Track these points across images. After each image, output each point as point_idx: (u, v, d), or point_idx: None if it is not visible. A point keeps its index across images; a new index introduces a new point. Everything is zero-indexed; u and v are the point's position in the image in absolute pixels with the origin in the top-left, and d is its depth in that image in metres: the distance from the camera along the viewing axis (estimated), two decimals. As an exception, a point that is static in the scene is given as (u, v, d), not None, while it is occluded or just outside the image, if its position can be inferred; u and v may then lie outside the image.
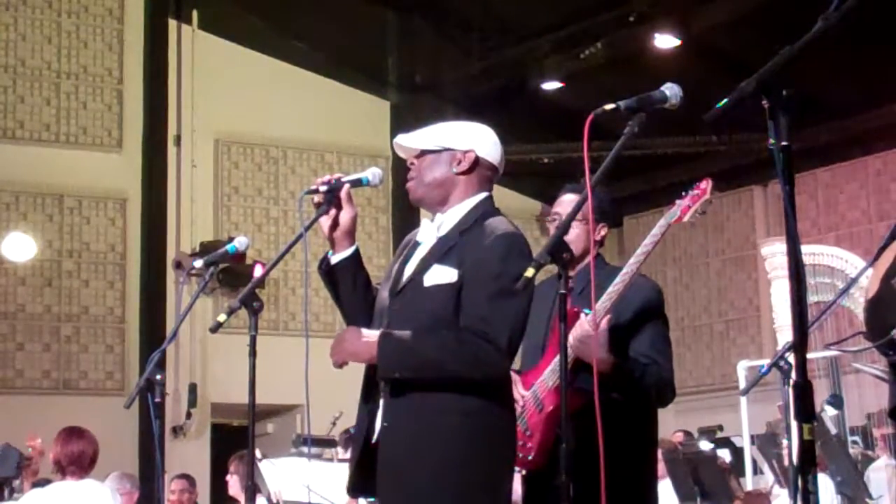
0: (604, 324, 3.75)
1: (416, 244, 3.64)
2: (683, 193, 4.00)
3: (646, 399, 3.90)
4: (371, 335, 3.45)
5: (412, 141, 3.63)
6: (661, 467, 8.69)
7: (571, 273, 3.88)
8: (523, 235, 3.54)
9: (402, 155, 3.71)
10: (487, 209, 3.57)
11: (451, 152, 3.57)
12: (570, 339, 3.73)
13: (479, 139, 3.61)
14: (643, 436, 3.98)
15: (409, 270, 3.57)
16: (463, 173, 3.56)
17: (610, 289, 3.82)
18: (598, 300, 3.77)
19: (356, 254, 3.66)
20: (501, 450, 3.45)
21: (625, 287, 3.82)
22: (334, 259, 3.66)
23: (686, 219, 3.97)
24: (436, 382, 3.36)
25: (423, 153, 3.60)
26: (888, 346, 3.28)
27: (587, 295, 3.73)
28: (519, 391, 3.86)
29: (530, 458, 3.85)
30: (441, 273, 3.45)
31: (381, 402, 3.47)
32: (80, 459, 5.80)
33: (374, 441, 3.49)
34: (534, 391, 3.89)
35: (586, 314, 3.76)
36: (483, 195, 3.59)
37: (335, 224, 3.63)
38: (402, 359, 3.39)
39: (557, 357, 3.73)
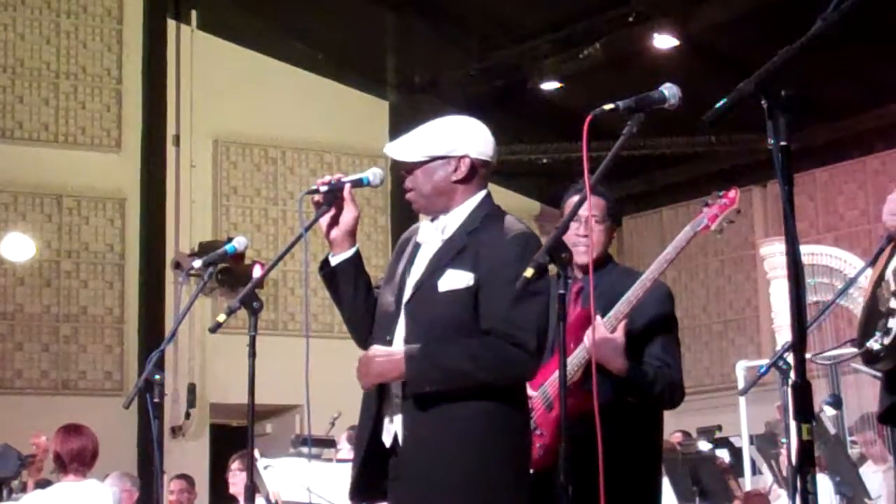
0: (621, 328, 3.76)
1: (418, 245, 3.60)
2: (710, 202, 3.98)
3: (658, 402, 3.91)
4: (394, 353, 3.42)
5: (401, 154, 3.58)
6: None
7: (580, 274, 3.91)
8: (536, 234, 3.52)
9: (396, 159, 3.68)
10: (491, 208, 3.55)
11: (444, 160, 3.52)
12: (586, 341, 3.74)
13: (471, 139, 3.56)
14: (651, 439, 3.99)
15: (416, 274, 3.53)
16: (461, 180, 3.53)
17: (628, 294, 3.82)
18: (605, 302, 3.79)
19: (357, 255, 3.63)
20: (524, 449, 3.47)
21: (644, 293, 3.81)
22: (335, 260, 3.62)
23: (714, 227, 3.95)
24: (464, 390, 3.35)
25: (416, 165, 3.55)
26: (866, 357, 3.28)
27: (601, 297, 3.73)
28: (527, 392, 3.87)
29: (540, 456, 3.86)
30: (456, 277, 3.42)
31: (400, 411, 3.44)
32: (81, 455, 5.80)
33: (386, 447, 3.48)
34: (543, 390, 3.89)
35: (602, 318, 3.77)
36: (483, 193, 3.56)
37: (335, 223, 3.60)
38: (432, 373, 3.36)
39: (570, 357, 3.75)
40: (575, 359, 3.77)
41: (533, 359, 3.40)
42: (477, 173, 3.55)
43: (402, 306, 3.51)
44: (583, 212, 4.05)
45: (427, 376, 3.36)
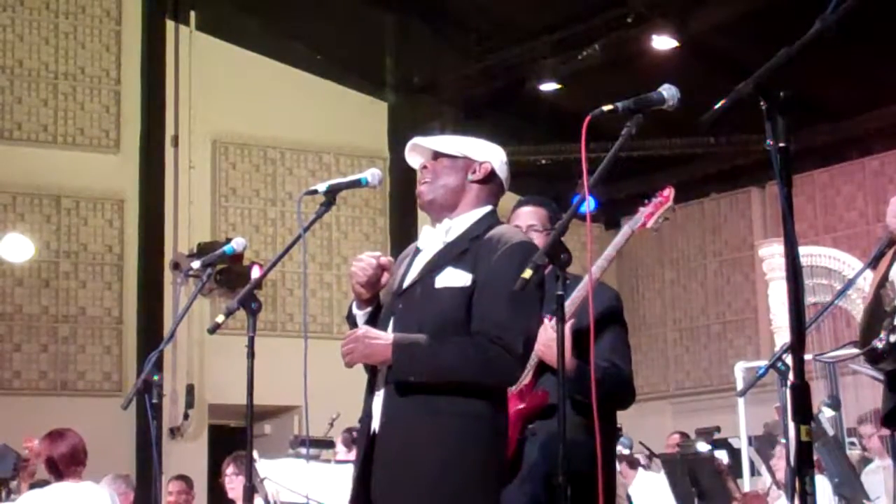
0: (567, 329, 3.78)
1: (418, 251, 3.66)
2: (646, 201, 4.08)
3: (606, 401, 3.91)
4: (384, 337, 3.45)
5: (433, 142, 3.67)
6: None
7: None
8: (535, 245, 3.59)
9: (412, 161, 3.71)
10: (496, 221, 3.64)
11: (468, 160, 3.63)
12: (537, 345, 3.78)
13: (495, 155, 3.68)
14: (604, 436, 3.97)
15: (414, 272, 3.58)
16: (477, 182, 3.62)
17: (573, 295, 3.88)
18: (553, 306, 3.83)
19: (378, 307, 3.65)
20: (499, 452, 3.49)
21: (588, 293, 3.85)
22: (362, 316, 3.64)
23: (649, 225, 4.05)
24: (448, 386, 3.39)
25: (441, 157, 3.63)
26: (870, 356, 3.28)
27: (550, 302, 3.76)
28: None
29: None
30: (455, 276, 3.47)
31: (382, 397, 3.47)
32: (74, 457, 5.81)
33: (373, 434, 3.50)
34: None
35: (550, 319, 3.81)
36: (490, 207, 3.66)
37: (376, 286, 3.60)
38: (419, 363, 3.40)
39: None
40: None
41: (518, 363, 3.46)
42: (492, 182, 3.65)
43: (396, 298, 3.56)
44: (520, 222, 4.12)
45: (414, 366, 3.39)
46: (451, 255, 3.52)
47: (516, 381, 3.62)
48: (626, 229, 4.04)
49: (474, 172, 3.62)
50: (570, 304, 3.85)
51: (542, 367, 3.88)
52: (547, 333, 3.78)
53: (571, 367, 3.75)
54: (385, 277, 3.61)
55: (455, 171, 3.61)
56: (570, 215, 3.28)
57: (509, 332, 3.38)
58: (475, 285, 3.44)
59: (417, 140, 3.69)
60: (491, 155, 3.66)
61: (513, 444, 3.86)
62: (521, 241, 3.54)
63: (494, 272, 3.43)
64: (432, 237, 3.62)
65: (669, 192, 4.06)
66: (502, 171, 3.67)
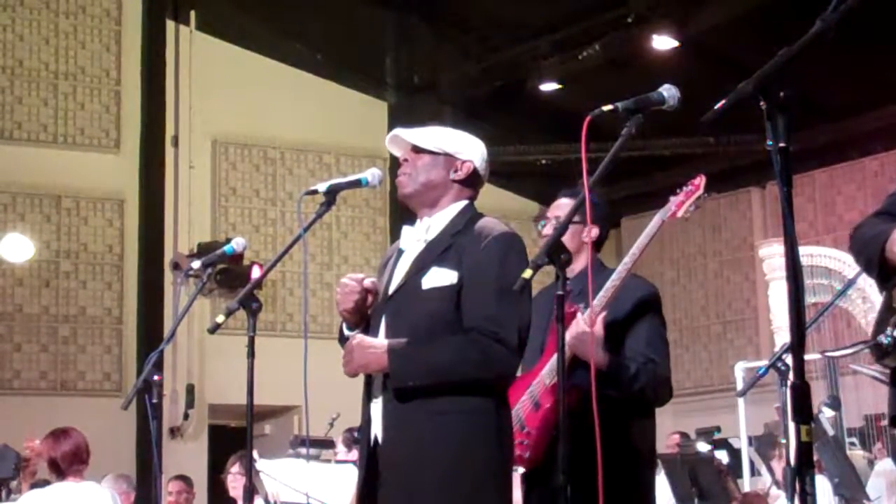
0: (599, 321, 3.76)
1: (401, 252, 3.65)
2: (678, 190, 4.05)
3: (641, 397, 3.90)
4: (378, 345, 3.44)
5: (414, 136, 3.63)
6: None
7: (570, 276, 3.92)
8: (518, 235, 3.59)
9: (393, 150, 3.70)
10: (475, 213, 3.62)
11: (450, 158, 3.60)
12: (567, 336, 3.75)
13: (477, 152, 3.65)
14: (641, 434, 3.97)
15: (399, 275, 3.56)
16: (458, 181, 3.60)
17: (606, 286, 3.85)
18: (579, 303, 3.82)
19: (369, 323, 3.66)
20: (505, 448, 3.47)
21: (621, 283, 3.84)
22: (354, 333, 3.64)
23: (680, 214, 4.02)
24: (446, 386, 3.37)
25: (421, 151, 3.60)
26: (876, 351, 3.29)
27: (584, 297, 3.76)
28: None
29: (527, 455, 3.87)
30: (440, 275, 3.46)
31: (380, 403, 3.46)
32: (77, 456, 5.81)
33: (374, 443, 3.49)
34: (531, 391, 3.91)
35: (583, 313, 3.78)
36: (467, 201, 3.64)
37: (361, 307, 3.59)
38: (415, 368, 3.39)
39: (554, 356, 3.77)
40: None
41: (515, 355, 3.45)
42: (472, 182, 3.64)
43: (385, 303, 3.55)
44: (549, 213, 4.11)
45: (410, 371, 3.38)
46: (435, 253, 3.51)
47: (515, 373, 3.59)
48: (656, 219, 3.99)
49: (456, 171, 3.60)
50: (602, 296, 3.83)
51: (574, 362, 3.83)
52: (578, 327, 3.76)
53: (605, 361, 3.75)
54: (371, 300, 3.59)
55: (436, 167, 3.59)
56: (571, 215, 3.28)
57: (502, 325, 3.37)
58: (462, 282, 3.43)
59: (398, 131, 3.66)
60: (473, 153, 3.63)
61: (546, 441, 3.84)
62: (503, 231, 3.52)
63: (480, 266, 3.43)
64: (413, 236, 3.61)
65: (700, 181, 4.02)
66: (483, 168, 3.65)
